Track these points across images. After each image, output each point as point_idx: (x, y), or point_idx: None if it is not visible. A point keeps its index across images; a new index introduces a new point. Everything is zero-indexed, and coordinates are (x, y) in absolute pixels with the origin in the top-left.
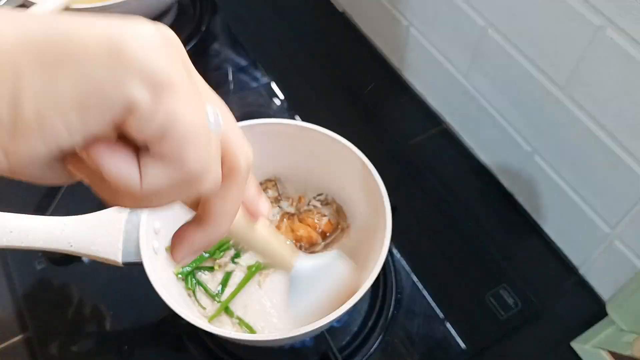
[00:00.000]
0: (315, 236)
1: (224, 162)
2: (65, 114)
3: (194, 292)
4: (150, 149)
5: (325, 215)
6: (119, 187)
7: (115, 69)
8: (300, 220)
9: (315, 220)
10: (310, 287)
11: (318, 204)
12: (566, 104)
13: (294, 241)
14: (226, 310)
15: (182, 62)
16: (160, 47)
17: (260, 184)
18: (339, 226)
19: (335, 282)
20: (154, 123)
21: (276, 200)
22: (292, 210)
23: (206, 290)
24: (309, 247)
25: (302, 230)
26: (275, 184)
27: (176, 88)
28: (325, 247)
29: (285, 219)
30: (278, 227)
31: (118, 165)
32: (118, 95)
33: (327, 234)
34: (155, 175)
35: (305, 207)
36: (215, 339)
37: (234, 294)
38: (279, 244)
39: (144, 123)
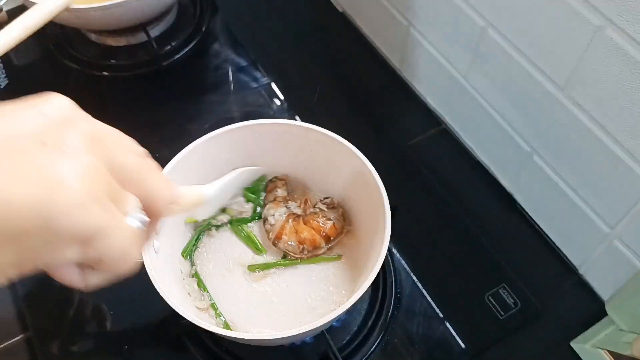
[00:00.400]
0: (319, 240)
1: (151, 212)
2: (3, 272)
3: (196, 275)
4: (91, 266)
5: (330, 219)
6: (70, 286)
7: (49, 240)
8: (305, 222)
9: (320, 224)
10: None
11: (324, 207)
12: (566, 104)
13: (297, 243)
14: (214, 308)
15: (110, 177)
16: (88, 200)
17: (271, 181)
18: (344, 230)
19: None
20: (86, 258)
21: (284, 200)
22: (298, 211)
23: (199, 283)
24: (312, 249)
25: (306, 233)
26: (286, 182)
27: (102, 233)
28: (329, 251)
29: (290, 220)
30: (282, 227)
31: (63, 277)
32: (52, 257)
33: (331, 238)
34: (95, 279)
35: (311, 210)
36: (216, 338)
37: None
38: (186, 200)
39: (78, 260)
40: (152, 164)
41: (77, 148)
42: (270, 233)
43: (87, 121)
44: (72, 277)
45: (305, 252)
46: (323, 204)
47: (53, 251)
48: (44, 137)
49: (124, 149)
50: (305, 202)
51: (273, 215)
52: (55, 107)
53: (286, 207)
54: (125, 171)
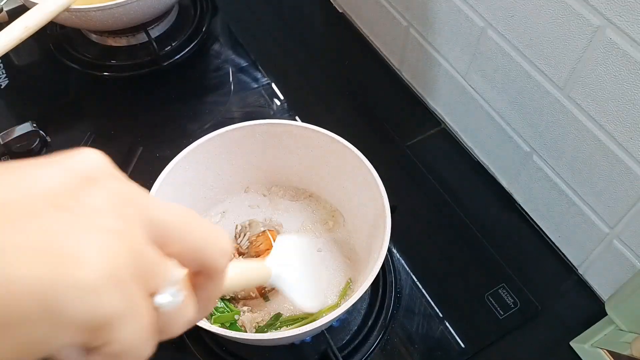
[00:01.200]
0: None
1: (206, 269)
2: None
3: None
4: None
5: (264, 232)
6: None
7: (53, 328)
8: (258, 255)
9: (267, 241)
10: (296, 276)
11: (248, 234)
12: (565, 104)
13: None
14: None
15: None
16: (106, 283)
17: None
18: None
19: (308, 253)
20: (88, 345)
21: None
22: (240, 258)
23: None
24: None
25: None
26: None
27: (116, 322)
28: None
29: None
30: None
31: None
32: (52, 346)
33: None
34: None
35: (245, 247)
36: (216, 338)
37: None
38: (248, 272)
39: (78, 344)
40: (196, 213)
41: (102, 211)
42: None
43: (116, 179)
44: None
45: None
46: (240, 233)
47: (55, 340)
48: (61, 198)
49: (161, 204)
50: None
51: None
52: (80, 162)
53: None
54: (166, 225)
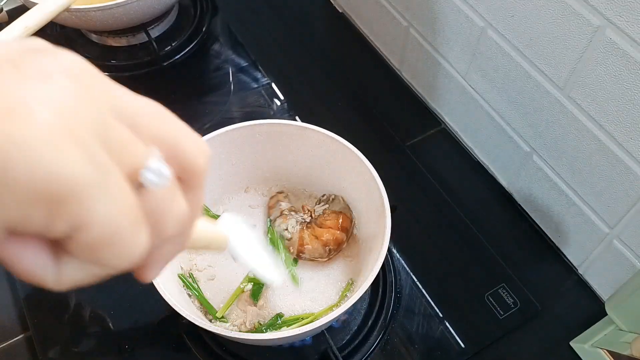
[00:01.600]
0: (341, 235)
1: (184, 170)
2: None
3: (197, 293)
4: (63, 246)
5: (340, 212)
6: (32, 282)
7: (3, 192)
8: (321, 226)
9: (335, 221)
10: (252, 249)
11: (326, 206)
12: (565, 104)
13: (322, 247)
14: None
15: (98, 122)
16: (63, 139)
17: (271, 197)
18: (352, 217)
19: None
20: (55, 231)
21: (289, 211)
22: (307, 218)
23: (201, 298)
24: (337, 247)
25: (327, 235)
26: (287, 195)
27: (82, 192)
28: (348, 242)
29: (305, 228)
30: (301, 238)
31: (22, 263)
32: (4, 220)
33: (348, 229)
34: (71, 272)
35: (318, 212)
36: (216, 338)
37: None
38: (212, 230)
39: (42, 232)
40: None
41: (59, 74)
42: (291, 247)
43: (79, 60)
44: (36, 265)
45: (333, 253)
46: (323, 201)
47: (6, 210)
48: (13, 57)
49: (131, 92)
50: (303, 209)
51: (287, 229)
52: (39, 40)
53: (294, 219)
54: (135, 111)
